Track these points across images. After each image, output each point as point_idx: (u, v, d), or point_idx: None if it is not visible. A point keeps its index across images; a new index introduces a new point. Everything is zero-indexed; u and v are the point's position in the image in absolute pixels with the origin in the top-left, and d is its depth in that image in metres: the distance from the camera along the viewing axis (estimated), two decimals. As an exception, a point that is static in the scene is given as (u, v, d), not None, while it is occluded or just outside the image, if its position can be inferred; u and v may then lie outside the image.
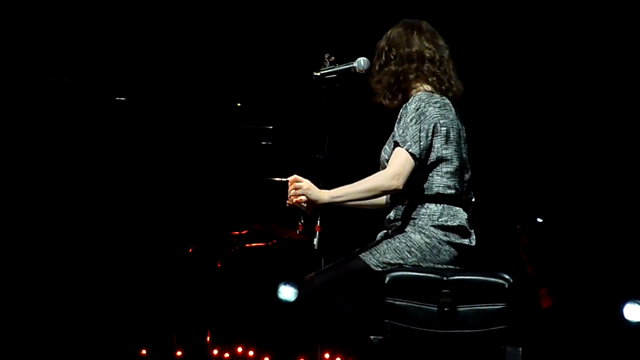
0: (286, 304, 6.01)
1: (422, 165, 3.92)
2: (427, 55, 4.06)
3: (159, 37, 5.90)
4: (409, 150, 3.87)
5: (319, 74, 4.01)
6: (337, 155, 4.10)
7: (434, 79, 4.03)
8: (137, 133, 5.11)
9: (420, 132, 3.89)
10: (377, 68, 4.08)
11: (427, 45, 4.07)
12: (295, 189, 3.90)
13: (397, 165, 3.87)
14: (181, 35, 5.91)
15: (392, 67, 4.05)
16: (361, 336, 3.83)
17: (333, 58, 4.05)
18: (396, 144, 3.91)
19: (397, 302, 3.73)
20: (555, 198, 5.94)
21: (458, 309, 3.72)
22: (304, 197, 3.89)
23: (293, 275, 5.99)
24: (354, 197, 3.88)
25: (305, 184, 3.90)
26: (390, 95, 4.06)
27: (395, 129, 3.97)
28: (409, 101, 3.99)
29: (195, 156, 5.12)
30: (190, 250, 5.33)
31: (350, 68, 4.03)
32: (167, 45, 5.88)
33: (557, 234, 5.82)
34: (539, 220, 5.75)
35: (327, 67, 4.02)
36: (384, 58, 4.07)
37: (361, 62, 4.03)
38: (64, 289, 5.51)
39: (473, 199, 4.01)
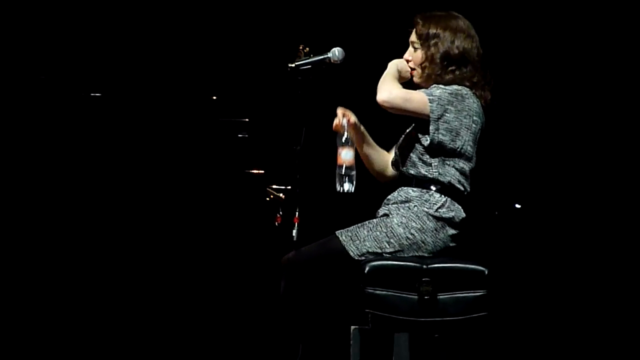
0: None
1: (439, 147, 3.82)
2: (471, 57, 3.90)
3: (130, 28, 5.85)
4: (430, 103, 3.79)
5: (293, 65, 3.99)
6: (314, 146, 4.08)
7: (475, 80, 3.91)
8: (111, 129, 5.09)
9: (451, 105, 3.80)
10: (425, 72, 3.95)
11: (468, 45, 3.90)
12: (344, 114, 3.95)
13: (408, 93, 3.80)
14: (155, 27, 5.86)
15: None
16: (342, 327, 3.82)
17: (308, 49, 4.03)
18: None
19: (378, 292, 3.73)
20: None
21: (438, 297, 3.73)
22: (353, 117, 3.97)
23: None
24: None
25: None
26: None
27: None
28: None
29: (171, 150, 5.10)
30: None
31: (325, 59, 4.01)
32: (140, 38, 5.83)
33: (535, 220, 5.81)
34: (517, 206, 5.76)
35: (302, 58, 4.00)
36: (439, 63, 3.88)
37: (336, 53, 4.01)
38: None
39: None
